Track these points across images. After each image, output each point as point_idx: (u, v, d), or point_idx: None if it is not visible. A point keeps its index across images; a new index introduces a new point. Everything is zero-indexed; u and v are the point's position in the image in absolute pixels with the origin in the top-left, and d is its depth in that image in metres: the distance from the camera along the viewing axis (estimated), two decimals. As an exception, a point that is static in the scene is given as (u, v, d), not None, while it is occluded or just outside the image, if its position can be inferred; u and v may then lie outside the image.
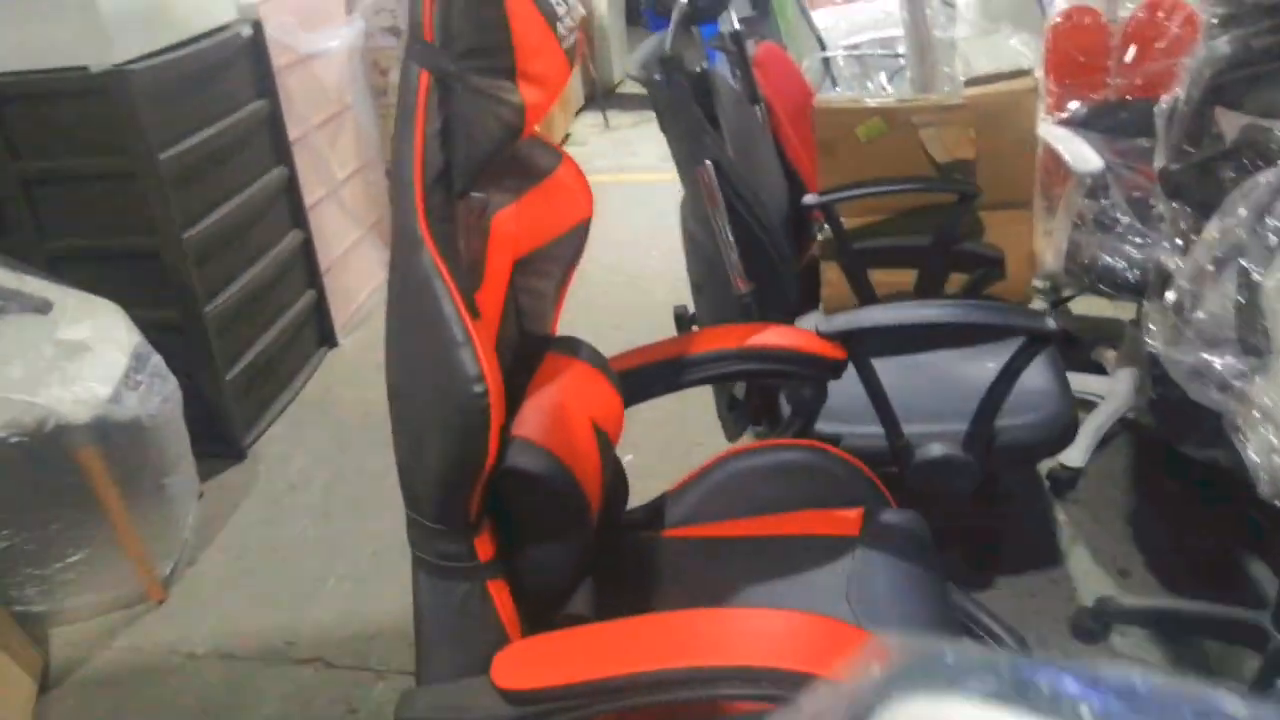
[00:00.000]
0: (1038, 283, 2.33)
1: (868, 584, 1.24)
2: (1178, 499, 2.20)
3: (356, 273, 3.35)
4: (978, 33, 3.08)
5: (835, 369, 1.40)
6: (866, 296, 2.01)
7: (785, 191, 1.94)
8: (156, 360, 2.18)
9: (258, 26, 2.72)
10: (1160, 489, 2.24)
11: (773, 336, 1.40)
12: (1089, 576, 2.01)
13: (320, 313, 3.07)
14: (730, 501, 1.41)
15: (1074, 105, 2.27)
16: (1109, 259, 2.00)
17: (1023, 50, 2.85)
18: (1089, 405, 2.41)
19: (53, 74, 2.22)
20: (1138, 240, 2.00)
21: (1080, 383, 2.42)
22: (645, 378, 1.39)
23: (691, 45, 1.55)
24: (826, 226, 1.94)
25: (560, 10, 0.93)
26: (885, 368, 1.63)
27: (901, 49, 3.26)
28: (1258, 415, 1.11)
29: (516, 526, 1.02)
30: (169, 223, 2.32)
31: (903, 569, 1.26)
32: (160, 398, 2.11)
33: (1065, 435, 1.55)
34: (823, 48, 3.28)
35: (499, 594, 0.97)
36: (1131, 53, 2.28)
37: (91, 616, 2.06)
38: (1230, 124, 1.39)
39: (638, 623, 0.93)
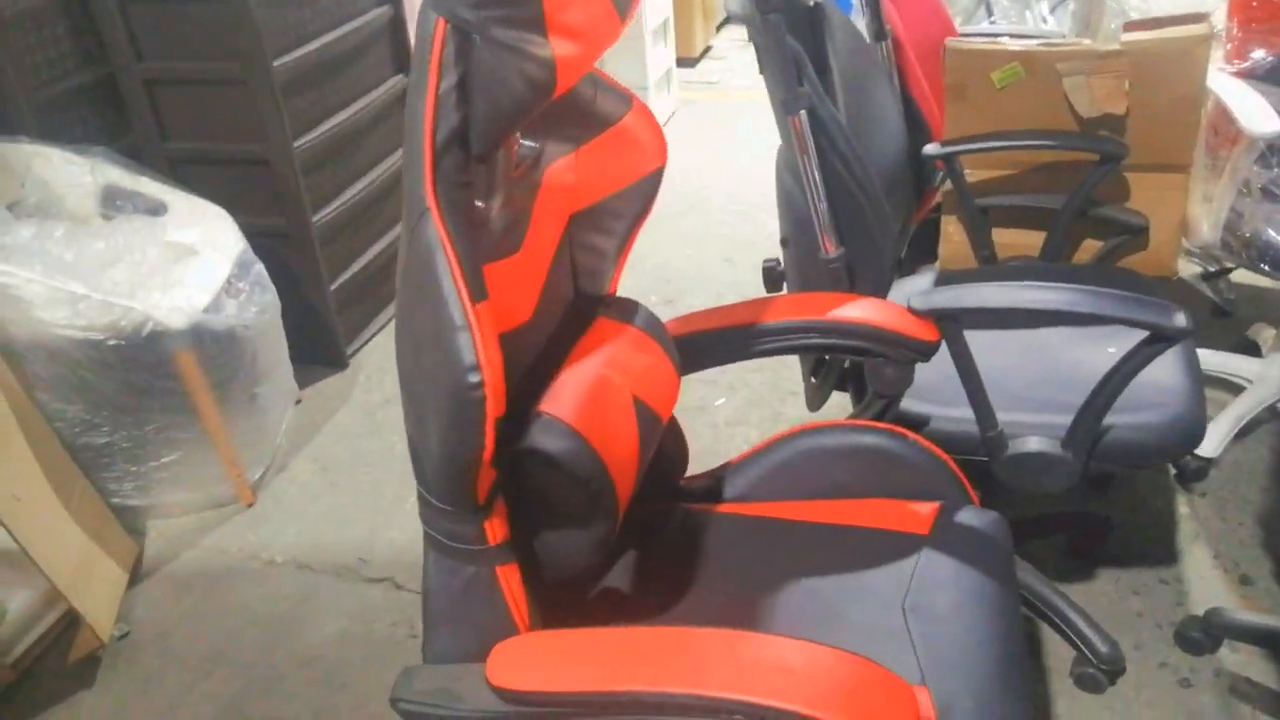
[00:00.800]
0: (1192, 250, 2.08)
1: (929, 592, 1.13)
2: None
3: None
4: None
5: (925, 351, 1.27)
6: (987, 256, 1.84)
7: (903, 139, 1.77)
8: (259, 269, 2.21)
9: (381, -72, 2.67)
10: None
11: (857, 310, 1.27)
12: (1205, 580, 1.83)
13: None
14: (794, 481, 1.32)
15: (1258, 54, 1.97)
16: (1274, 233, 1.76)
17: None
18: (1234, 388, 2.17)
19: (177, -27, 2.22)
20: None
21: (1227, 363, 2.19)
22: (711, 345, 1.29)
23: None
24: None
25: None
26: (985, 343, 1.49)
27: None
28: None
29: (535, 508, 0.96)
30: (280, 130, 2.32)
31: (972, 578, 1.15)
32: (258, 308, 2.13)
33: (1187, 441, 1.38)
34: (980, -29, 2.99)
35: (508, 579, 0.91)
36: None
37: (185, 514, 2.14)
38: None
39: (648, 634, 0.86)
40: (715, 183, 3.64)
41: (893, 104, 1.76)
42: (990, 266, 1.81)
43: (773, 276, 1.60)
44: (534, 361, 1.06)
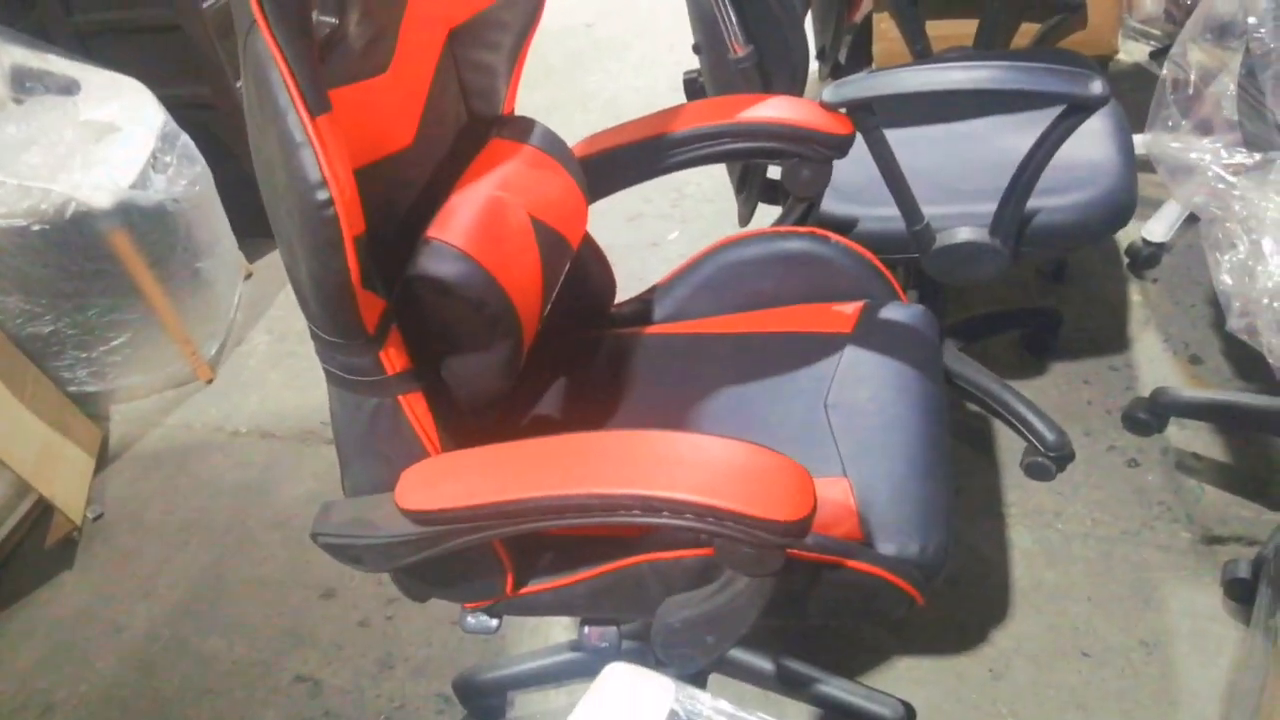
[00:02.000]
0: (1139, 27, 2.01)
1: (850, 387, 1.13)
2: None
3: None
4: None
5: (839, 146, 1.23)
6: (920, 51, 1.77)
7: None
8: (185, 141, 2.14)
9: None
10: (1257, 267, 2.00)
11: (766, 110, 1.23)
12: (1155, 363, 1.84)
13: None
14: (720, 296, 1.31)
15: None
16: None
17: None
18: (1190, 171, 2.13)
19: None
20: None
21: (1181, 142, 2.14)
22: (619, 162, 1.26)
23: None
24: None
25: None
26: (908, 138, 1.45)
27: None
28: (1236, 228, 0.92)
29: (434, 335, 0.95)
30: (186, -8, 2.21)
31: (894, 370, 1.15)
32: (187, 180, 2.08)
33: (1114, 219, 1.35)
34: None
35: (412, 407, 0.91)
36: None
37: (146, 396, 2.14)
38: None
39: (550, 443, 0.86)
40: (660, 7, 3.50)
41: (810, -106, 1.66)
42: (923, 60, 1.75)
43: (694, 89, 1.55)
44: (423, 189, 1.02)
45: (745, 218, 1.50)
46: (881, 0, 1.77)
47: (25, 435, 1.81)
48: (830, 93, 1.22)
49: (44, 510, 1.86)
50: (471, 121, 1.12)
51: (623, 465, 0.81)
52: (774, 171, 1.37)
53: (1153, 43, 2.20)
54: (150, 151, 2.03)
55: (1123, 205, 1.36)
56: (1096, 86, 1.16)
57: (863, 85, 1.22)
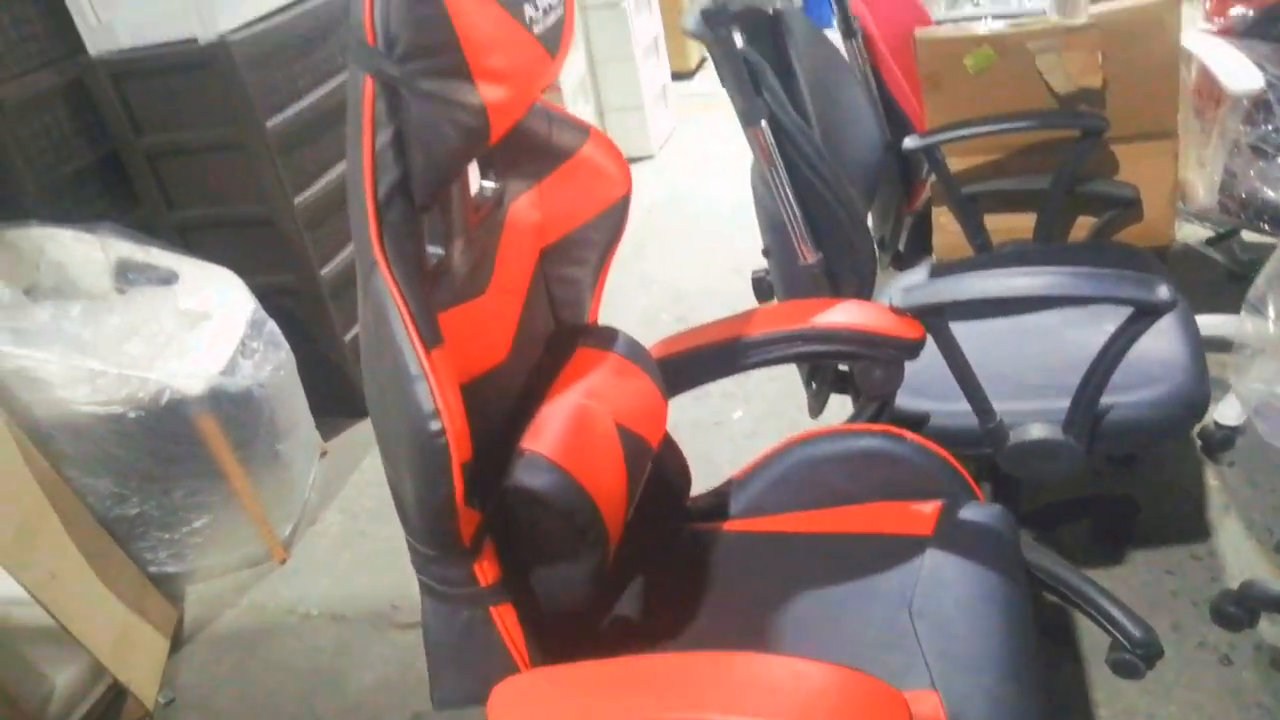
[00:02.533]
0: (1193, 216, 2.05)
1: (935, 594, 1.13)
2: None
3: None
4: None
5: (910, 350, 1.26)
6: (981, 244, 1.83)
7: (879, 136, 1.77)
8: (271, 327, 2.25)
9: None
10: (1336, 449, 1.96)
11: (839, 315, 1.27)
12: (1240, 553, 1.79)
13: (442, 265, 3.09)
14: (797, 492, 1.32)
15: (1237, 11, 1.95)
16: (1270, 191, 1.74)
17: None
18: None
19: (165, 48, 2.27)
20: (1307, 170, 1.72)
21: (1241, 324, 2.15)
22: (696, 364, 1.30)
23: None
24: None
25: None
26: (977, 333, 1.48)
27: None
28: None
29: (525, 545, 0.97)
30: (279, 189, 2.37)
31: (978, 575, 1.14)
32: (273, 365, 2.18)
33: (1189, 414, 1.36)
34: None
35: (504, 619, 0.93)
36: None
37: (222, 575, 2.18)
38: None
39: (640, 663, 0.87)
40: (719, 195, 3.65)
41: (865, 102, 1.76)
42: (984, 254, 1.80)
43: (762, 287, 1.61)
44: (516, 399, 1.07)
45: (816, 410, 1.53)
46: (940, 195, 1.84)
47: (105, 617, 1.85)
48: (900, 297, 1.27)
49: (117, 694, 1.87)
50: (559, 331, 1.18)
51: (719, 690, 0.81)
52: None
53: (1209, 226, 2.24)
54: (240, 338, 2.14)
55: (1197, 401, 1.37)
56: (1163, 292, 1.19)
57: (932, 290, 1.26)
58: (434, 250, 0.94)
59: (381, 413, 0.85)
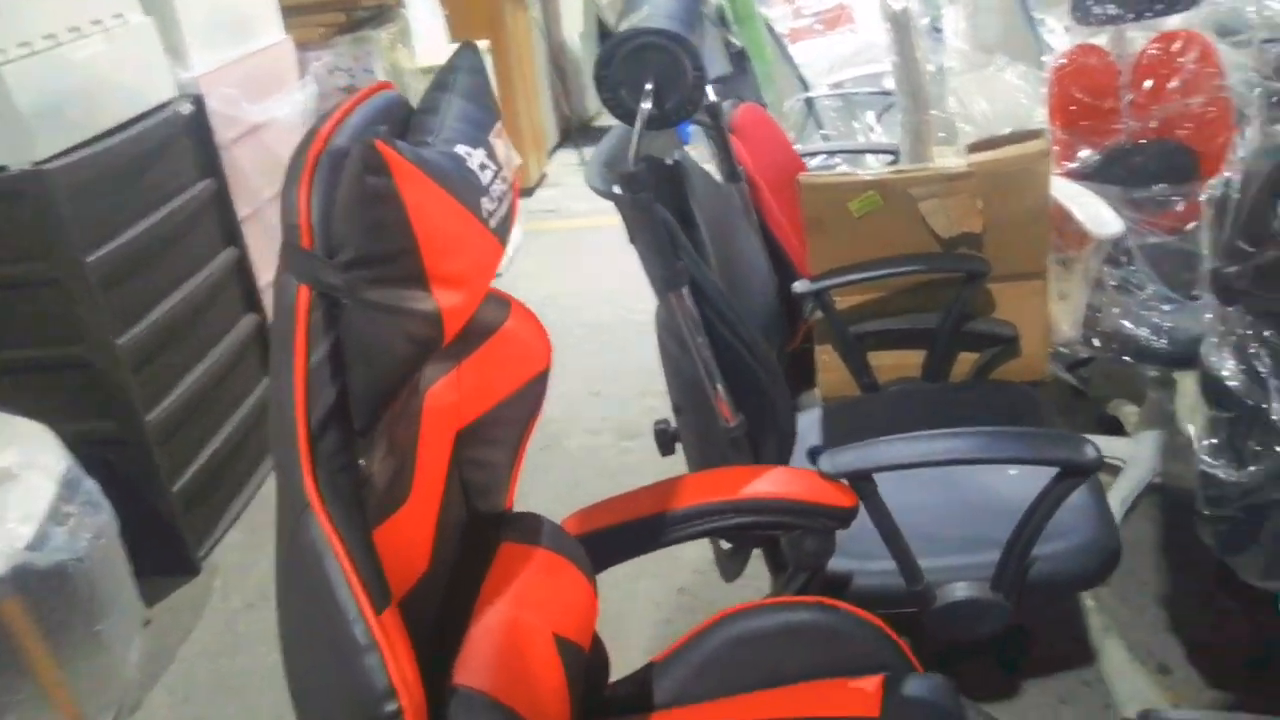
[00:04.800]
0: (1060, 350, 2.12)
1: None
2: (1211, 568, 1.99)
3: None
4: (969, 65, 2.90)
5: (844, 518, 1.20)
6: (869, 384, 1.82)
7: (771, 277, 1.75)
8: (89, 486, 1.97)
9: (199, 101, 2.54)
10: (1194, 557, 2.02)
11: (768, 484, 1.20)
12: (1126, 674, 1.81)
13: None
14: (728, 675, 1.21)
15: (1084, 153, 2.08)
16: (1132, 326, 1.81)
17: (1021, 85, 2.67)
18: (1109, 469, 2.21)
19: (-32, 176, 2.02)
20: (1165, 307, 1.81)
21: (1100, 446, 2.23)
22: (620, 540, 1.19)
23: (660, 133, 1.35)
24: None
25: (486, 176, 0.73)
26: (899, 486, 1.43)
27: (889, 84, 3.08)
28: None
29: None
30: (100, 328, 2.12)
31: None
32: (91, 533, 1.89)
33: (1110, 562, 1.35)
34: (805, 88, 3.09)
35: None
36: (1143, 92, 2.09)
37: (27, 784, 1.85)
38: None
39: None
40: (571, 313, 3.58)
41: (757, 245, 1.73)
42: (874, 395, 1.79)
43: (665, 439, 1.52)
44: (439, 614, 0.92)
45: (731, 575, 1.44)
46: (824, 334, 1.83)
47: None
48: (829, 463, 1.20)
49: None
50: (475, 521, 1.05)
51: None
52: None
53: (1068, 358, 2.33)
54: (50, 504, 1.85)
55: (1113, 548, 1.36)
56: (1090, 451, 1.18)
57: (862, 456, 1.21)
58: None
59: (306, 684, 0.69)
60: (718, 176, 1.75)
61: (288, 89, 3.07)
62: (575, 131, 5.36)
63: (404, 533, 0.86)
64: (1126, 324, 1.81)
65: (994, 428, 1.22)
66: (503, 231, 0.76)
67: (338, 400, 0.67)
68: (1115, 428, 2.39)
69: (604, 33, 5.93)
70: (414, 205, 0.64)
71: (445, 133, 0.78)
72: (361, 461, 0.79)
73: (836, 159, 2.59)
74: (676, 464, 1.54)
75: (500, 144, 0.84)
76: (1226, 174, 1.21)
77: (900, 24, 2.25)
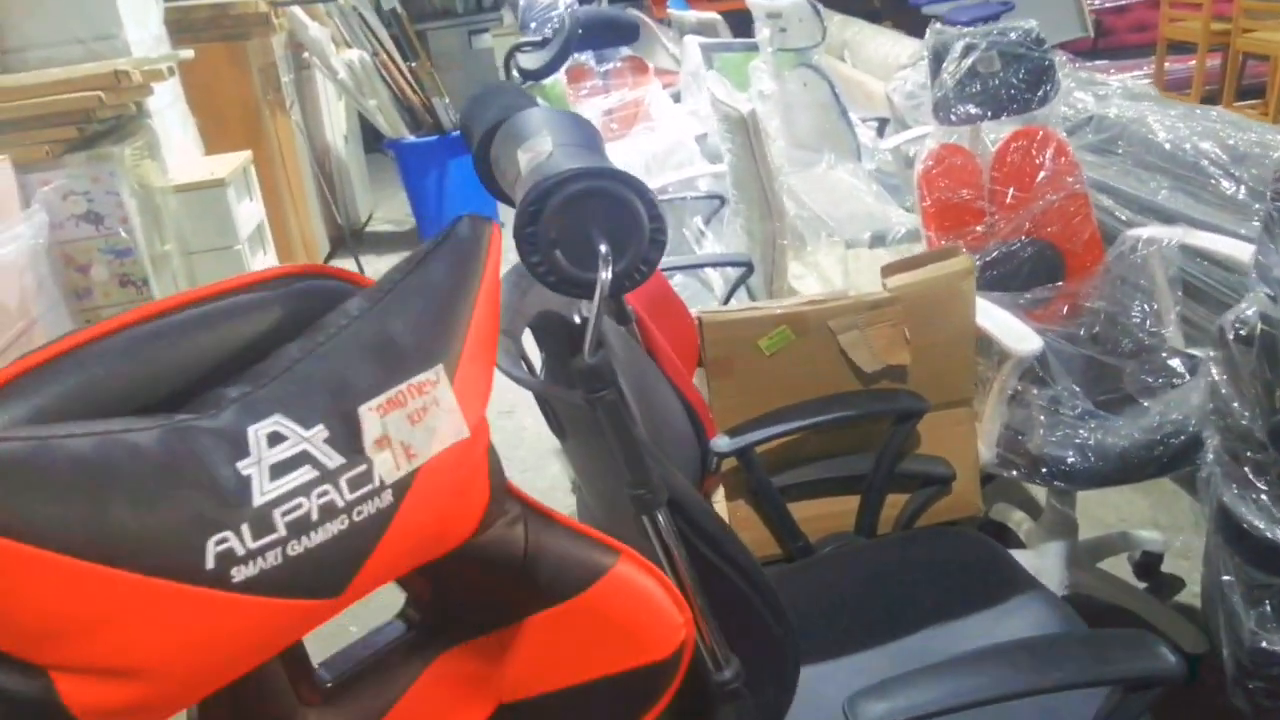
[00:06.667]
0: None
1: None
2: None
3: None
4: (795, 164, 2.78)
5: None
6: (802, 547, 1.54)
7: (687, 427, 1.46)
8: None
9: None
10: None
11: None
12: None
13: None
14: None
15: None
16: (1059, 450, 1.65)
17: (857, 183, 2.56)
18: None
19: None
20: (1092, 423, 1.67)
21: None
22: None
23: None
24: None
25: (281, 485, 0.53)
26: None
27: (705, 188, 2.92)
28: None
29: None
30: None
31: None
32: None
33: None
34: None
35: None
36: (1009, 190, 2.00)
37: None
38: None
39: None
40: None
41: (669, 393, 1.44)
42: (809, 561, 1.51)
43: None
44: None
45: None
46: (735, 488, 1.55)
47: None
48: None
49: None
50: None
51: None
52: None
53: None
54: None
55: None
56: (1168, 656, 0.95)
57: (894, 708, 0.92)
58: None
59: None
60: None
61: (8, 221, 2.51)
62: (349, 239, 4.93)
63: None
64: (1052, 447, 1.65)
65: (1035, 637, 0.96)
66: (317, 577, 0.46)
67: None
68: (1001, 534, 2.26)
69: (366, 130, 5.48)
70: None
71: (268, 388, 0.58)
72: None
73: (687, 273, 2.37)
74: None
75: (395, 418, 0.55)
76: (1245, 307, 1.05)
77: (747, 128, 2.07)
